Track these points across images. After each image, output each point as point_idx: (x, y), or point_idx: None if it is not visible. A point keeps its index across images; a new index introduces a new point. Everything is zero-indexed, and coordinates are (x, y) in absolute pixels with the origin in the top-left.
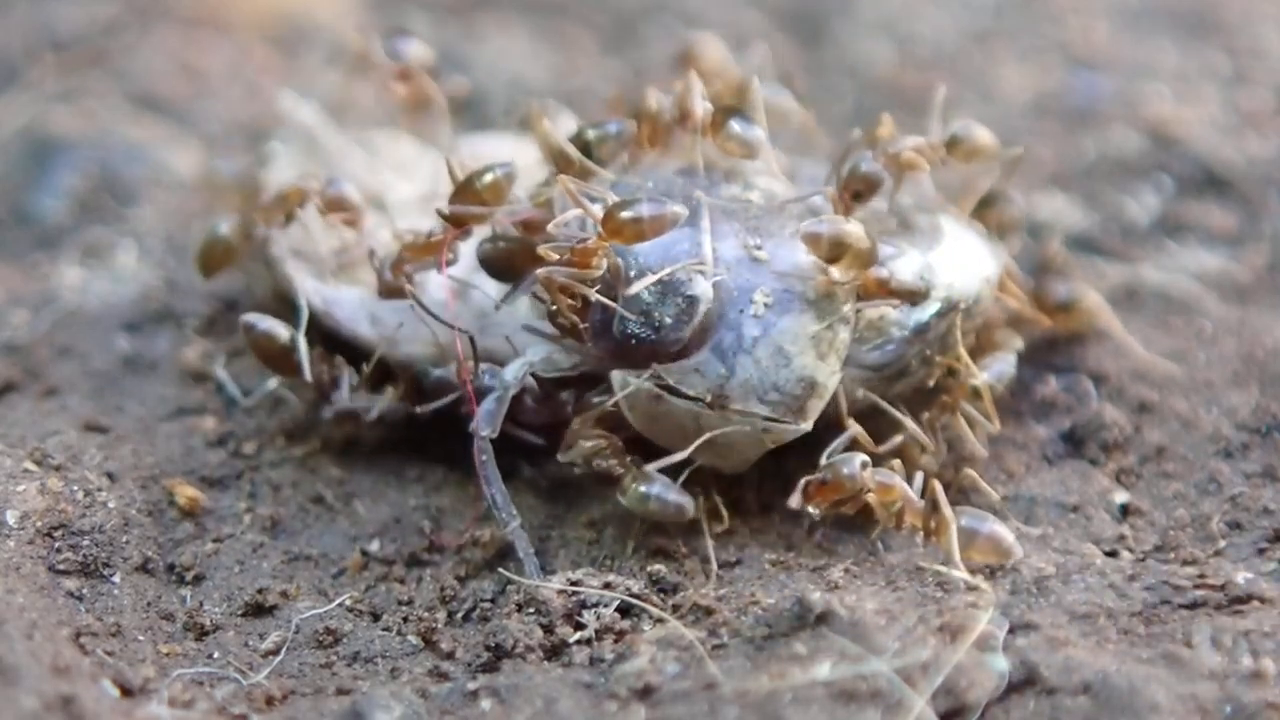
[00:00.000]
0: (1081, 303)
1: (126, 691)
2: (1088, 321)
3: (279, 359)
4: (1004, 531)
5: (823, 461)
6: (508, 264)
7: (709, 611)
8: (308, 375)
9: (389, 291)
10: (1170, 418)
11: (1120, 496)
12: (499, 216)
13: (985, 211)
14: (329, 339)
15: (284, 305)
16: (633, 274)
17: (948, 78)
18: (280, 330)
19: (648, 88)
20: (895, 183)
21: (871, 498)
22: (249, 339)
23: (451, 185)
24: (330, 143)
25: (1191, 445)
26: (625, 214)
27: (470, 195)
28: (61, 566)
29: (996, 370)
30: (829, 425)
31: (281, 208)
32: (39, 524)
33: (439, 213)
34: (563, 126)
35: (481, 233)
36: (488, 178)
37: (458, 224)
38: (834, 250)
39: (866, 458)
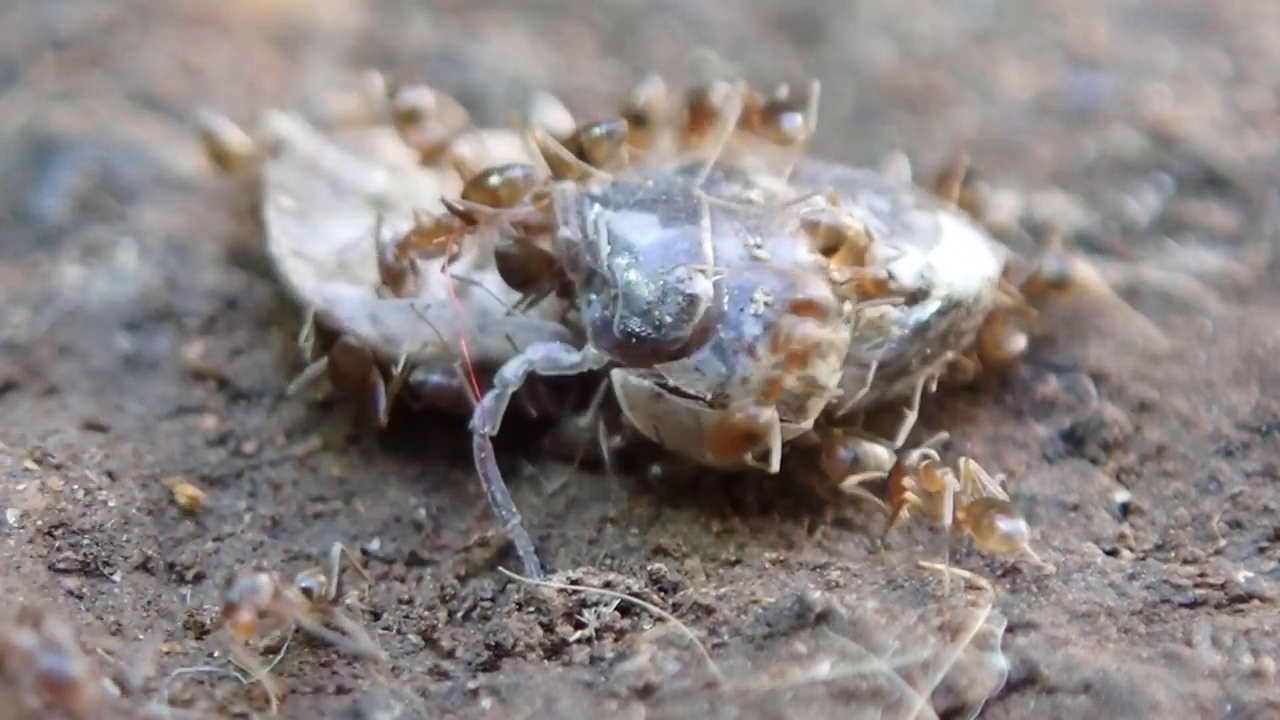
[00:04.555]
0: (1074, 276)
1: (127, 690)
2: (1082, 294)
3: (356, 385)
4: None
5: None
6: (523, 269)
7: (709, 610)
8: (383, 416)
9: (390, 276)
10: (1170, 417)
11: (1120, 495)
12: (500, 215)
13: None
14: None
15: (284, 305)
16: (631, 272)
17: (948, 77)
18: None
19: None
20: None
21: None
22: (335, 362)
23: (462, 180)
24: (323, 154)
25: (1192, 444)
26: None
27: (483, 193)
28: (62, 565)
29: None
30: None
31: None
32: (39, 523)
33: (445, 205)
34: (556, 120)
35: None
36: (498, 178)
37: (465, 219)
38: (830, 238)
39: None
